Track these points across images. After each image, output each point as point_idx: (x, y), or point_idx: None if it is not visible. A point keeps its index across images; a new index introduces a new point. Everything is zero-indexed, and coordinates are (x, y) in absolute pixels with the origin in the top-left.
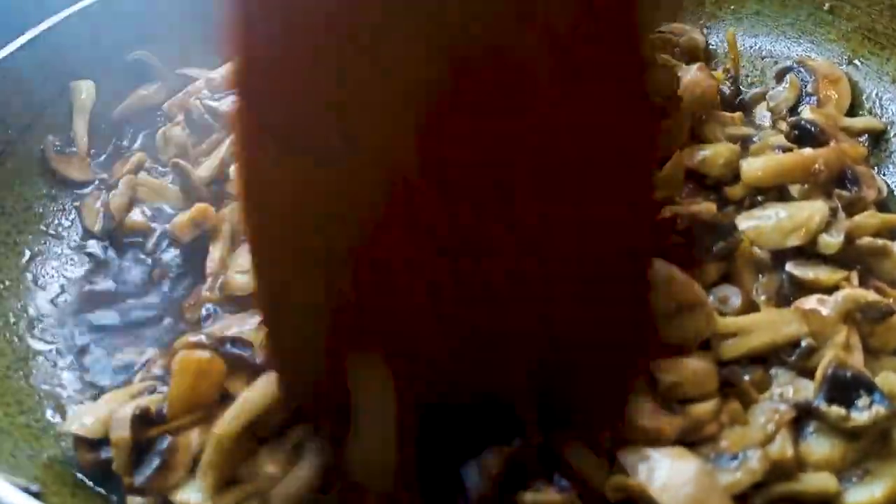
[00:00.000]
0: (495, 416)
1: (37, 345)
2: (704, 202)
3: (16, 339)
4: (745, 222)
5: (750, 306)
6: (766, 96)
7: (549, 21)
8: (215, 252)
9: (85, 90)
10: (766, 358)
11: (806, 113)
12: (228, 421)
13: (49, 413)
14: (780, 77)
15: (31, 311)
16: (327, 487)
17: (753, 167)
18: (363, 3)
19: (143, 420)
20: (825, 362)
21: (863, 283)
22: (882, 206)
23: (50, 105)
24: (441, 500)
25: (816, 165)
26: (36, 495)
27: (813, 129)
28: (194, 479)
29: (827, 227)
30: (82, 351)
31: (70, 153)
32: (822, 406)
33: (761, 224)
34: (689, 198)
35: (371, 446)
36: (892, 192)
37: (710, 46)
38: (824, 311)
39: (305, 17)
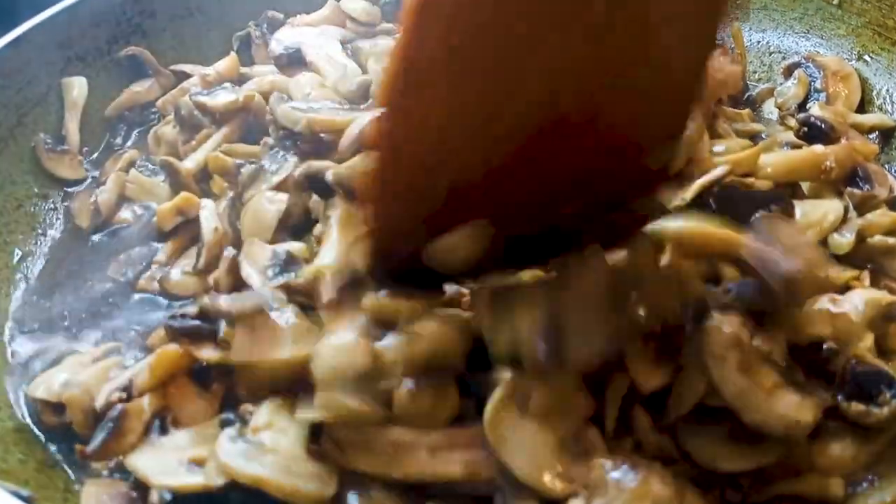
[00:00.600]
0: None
1: (25, 347)
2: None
3: (5, 342)
4: None
5: None
6: (774, 92)
7: None
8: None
9: (77, 87)
10: None
11: (815, 110)
12: None
13: None
14: (788, 73)
15: (21, 312)
16: None
17: (764, 164)
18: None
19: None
20: (844, 360)
21: (874, 283)
22: (893, 204)
23: (41, 102)
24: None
25: (827, 163)
26: (27, 500)
27: (823, 125)
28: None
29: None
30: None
31: (61, 151)
32: (843, 403)
33: None
34: None
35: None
36: None
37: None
38: (848, 312)
39: None
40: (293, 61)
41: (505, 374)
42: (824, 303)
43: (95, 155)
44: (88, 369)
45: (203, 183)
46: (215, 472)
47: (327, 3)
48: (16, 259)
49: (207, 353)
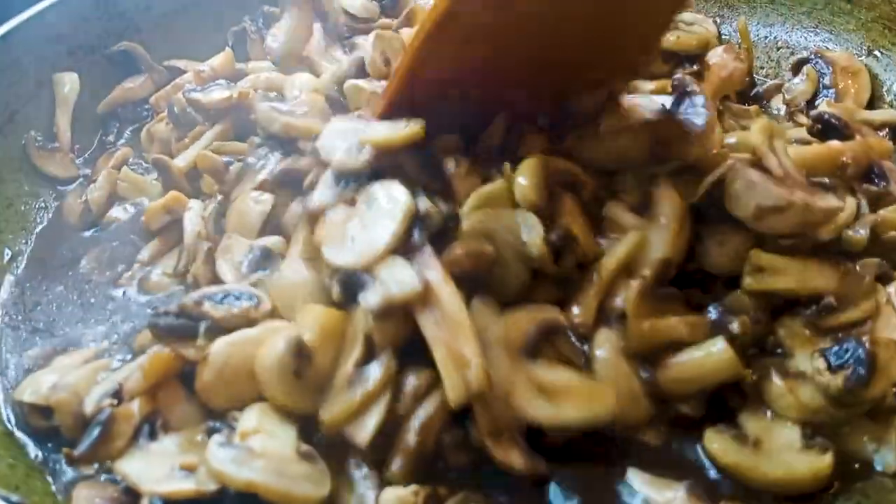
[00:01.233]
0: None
1: (13, 348)
2: None
3: None
4: None
5: None
6: (783, 89)
7: None
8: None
9: (68, 83)
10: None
11: (824, 107)
12: None
13: None
14: (796, 69)
15: (10, 311)
16: None
17: None
18: None
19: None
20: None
21: (887, 279)
22: None
23: (32, 99)
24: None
25: (844, 159)
26: None
27: (837, 122)
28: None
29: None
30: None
31: (53, 149)
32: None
33: None
34: None
35: None
36: None
37: (724, 37)
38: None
39: None
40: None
41: None
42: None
43: (88, 153)
44: (76, 371)
45: (195, 181)
46: (207, 478)
47: None
48: (6, 259)
49: (192, 352)
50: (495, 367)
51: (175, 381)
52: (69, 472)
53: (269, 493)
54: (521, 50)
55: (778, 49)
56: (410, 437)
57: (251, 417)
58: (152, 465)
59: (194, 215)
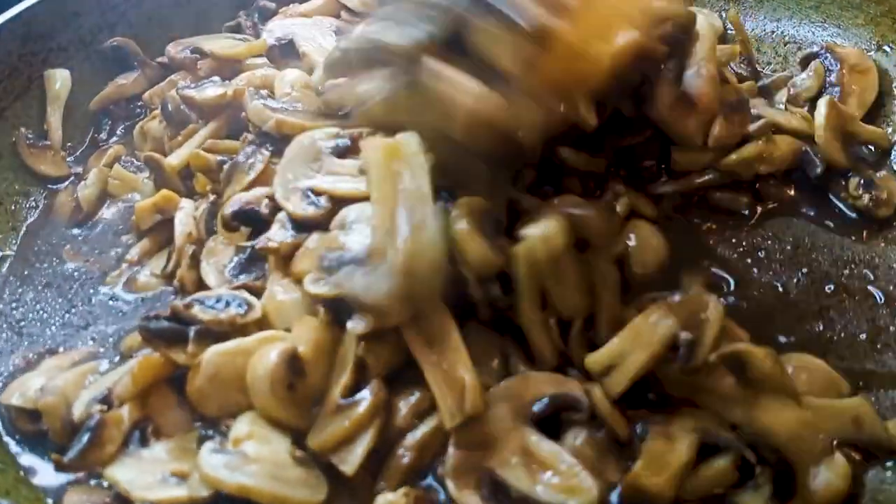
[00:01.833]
0: None
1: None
2: None
3: None
4: None
5: None
6: (790, 83)
7: None
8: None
9: (59, 79)
10: None
11: (821, 107)
12: None
13: None
14: (805, 63)
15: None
16: None
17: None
18: None
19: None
20: None
21: None
22: None
23: (22, 95)
24: None
25: None
26: None
27: None
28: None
29: None
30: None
31: (43, 146)
32: None
33: None
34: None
35: None
36: None
37: (729, 32)
38: None
39: None
40: (285, 53)
41: None
42: None
43: (79, 151)
44: (64, 375)
45: (188, 180)
46: (199, 485)
47: None
48: None
49: (182, 357)
50: (493, 419)
51: (166, 386)
52: (59, 478)
53: (265, 497)
54: None
55: (785, 44)
56: (405, 455)
57: (244, 425)
58: (143, 471)
59: (185, 215)
